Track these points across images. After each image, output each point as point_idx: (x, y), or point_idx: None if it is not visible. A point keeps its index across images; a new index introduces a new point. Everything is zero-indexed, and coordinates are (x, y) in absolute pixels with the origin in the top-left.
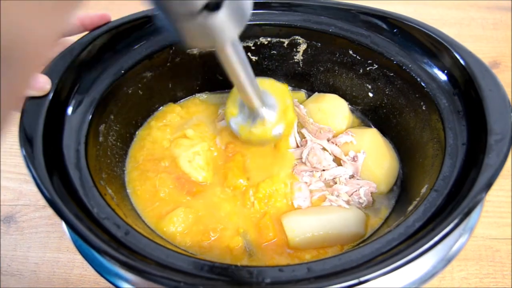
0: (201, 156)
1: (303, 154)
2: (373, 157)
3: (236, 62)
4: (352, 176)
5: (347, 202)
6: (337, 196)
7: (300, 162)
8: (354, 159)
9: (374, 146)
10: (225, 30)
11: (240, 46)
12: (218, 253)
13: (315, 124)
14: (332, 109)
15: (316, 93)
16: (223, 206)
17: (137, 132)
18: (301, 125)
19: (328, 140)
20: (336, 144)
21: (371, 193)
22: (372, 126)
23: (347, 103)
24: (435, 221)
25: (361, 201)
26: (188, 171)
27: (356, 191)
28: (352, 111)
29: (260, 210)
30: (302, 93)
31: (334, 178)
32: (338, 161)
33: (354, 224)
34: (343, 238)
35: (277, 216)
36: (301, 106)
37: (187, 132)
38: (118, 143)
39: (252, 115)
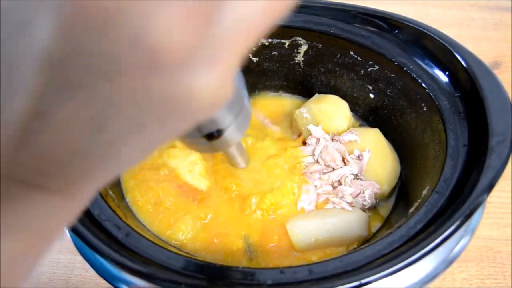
0: (199, 164)
1: (315, 151)
2: (377, 157)
3: (237, 154)
4: (356, 176)
5: (351, 204)
6: (341, 197)
7: (313, 162)
8: (359, 157)
9: (378, 145)
10: (229, 143)
11: (240, 142)
12: (220, 257)
13: None
14: (333, 110)
15: (317, 94)
16: (224, 210)
17: None
18: (306, 122)
19: (332, 140)
20: (340, 142)
21: (375, 193)
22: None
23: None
24: (436, 223)
25: (365, 203)
26: (191, 182)
27: (360, 193)
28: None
29: (262, 219)
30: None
31: (340, 179)
32: (343, 161)
33: (357, 226)
34: (347, 241)
35: (281, 222)
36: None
37: (176, 142)
38: None
39: None
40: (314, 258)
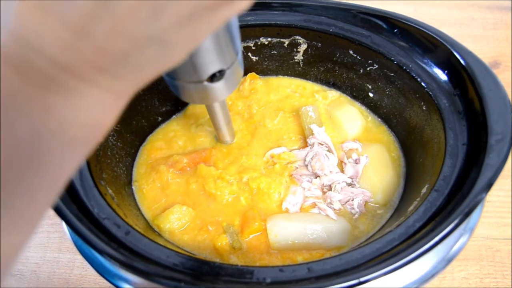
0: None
1: (307, 157)
2: (375, 167)
3: (220, 116)
4: (351, 181)
5: (339, 211)
6: (329, 203)
7: (302, 165)
8: (356, 161)
9: (378, 158)
10: (219, 95)
11: (225, 103)
12: (207, 249)
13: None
14: (343, 118)
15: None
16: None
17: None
18: (310, 121)
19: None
20: (342, 150)
21: (366, 202)
22: (389, 131)
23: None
24: (435, 221)
25: (353, 211)
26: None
27: (349, 200)
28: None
29: (244, 203)
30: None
31: (331, 184)
32: (340, 166)
33: (337, 236)
34: (324, 248)
35: (263, 213)
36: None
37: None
38: (119, 144)
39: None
40: (300, 258)
